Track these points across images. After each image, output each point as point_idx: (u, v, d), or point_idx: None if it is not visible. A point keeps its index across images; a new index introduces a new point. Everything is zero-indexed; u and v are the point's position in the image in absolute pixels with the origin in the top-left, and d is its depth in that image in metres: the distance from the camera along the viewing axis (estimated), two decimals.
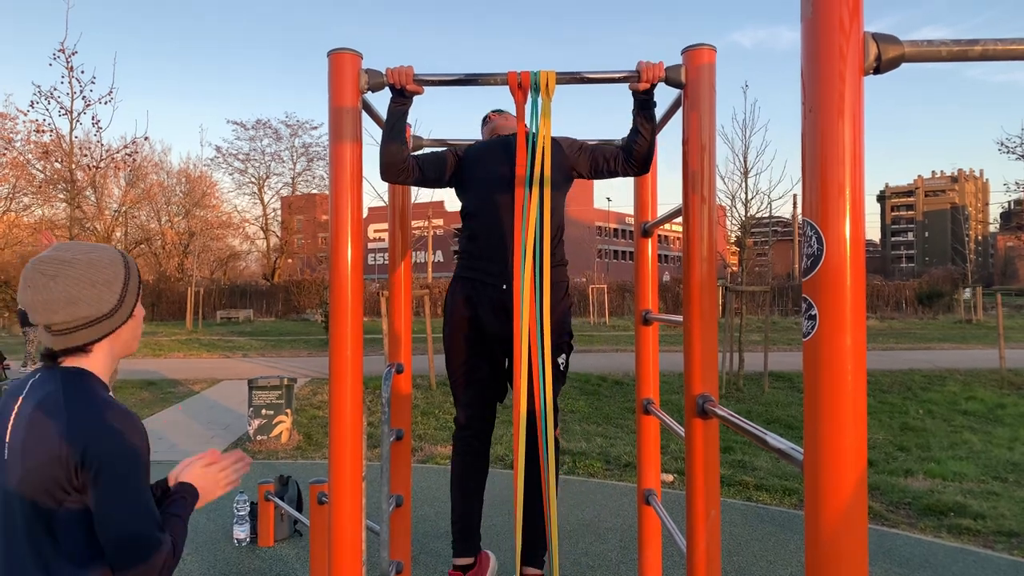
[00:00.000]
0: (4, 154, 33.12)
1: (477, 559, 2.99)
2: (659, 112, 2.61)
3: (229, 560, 4.55)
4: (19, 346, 21.00)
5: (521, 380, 2.31)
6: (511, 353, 2.78)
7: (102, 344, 1.47)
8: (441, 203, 55.83)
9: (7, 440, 1.37)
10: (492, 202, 2.85)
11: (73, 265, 1.42)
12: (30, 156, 20.99)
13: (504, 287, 2.81)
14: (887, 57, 1.12)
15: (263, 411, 7.84)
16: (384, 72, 2.33)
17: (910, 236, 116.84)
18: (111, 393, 1.47)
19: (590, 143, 2.97)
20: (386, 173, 2.68)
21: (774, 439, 1.46)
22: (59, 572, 1.33)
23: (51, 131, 14.27)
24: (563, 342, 2.91)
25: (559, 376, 2.87)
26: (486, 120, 3.25)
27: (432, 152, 2.95)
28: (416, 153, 2.91)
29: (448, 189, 3.02)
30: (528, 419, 2.39)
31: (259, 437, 7.79)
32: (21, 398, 1.41)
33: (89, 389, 1.40)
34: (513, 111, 2.42)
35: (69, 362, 1.44)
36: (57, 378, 1.40)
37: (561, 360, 2.90)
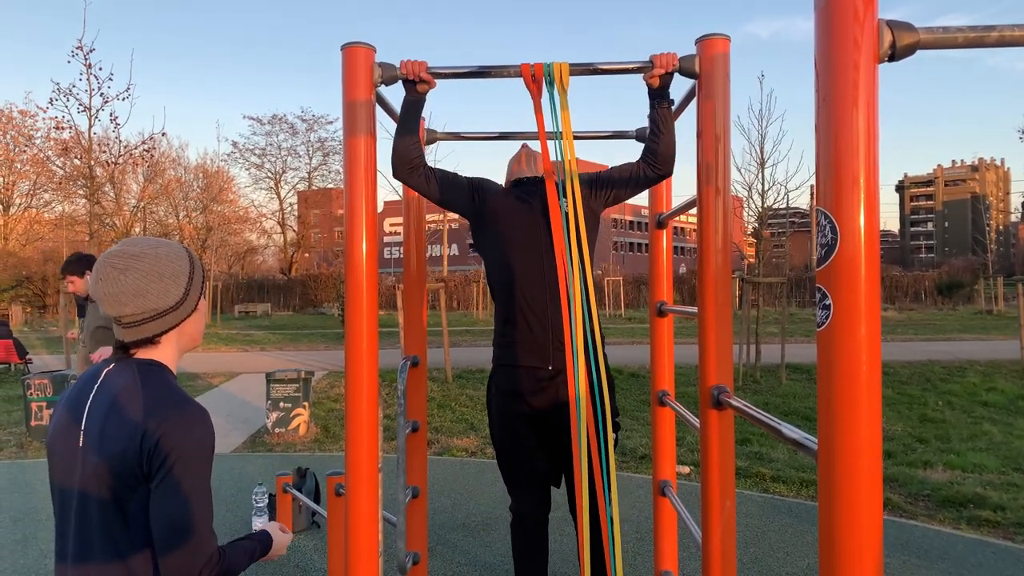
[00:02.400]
0: (24, 151, 33.51)
1: None
2: (674, 102, 2.60)
3: None
4: (38, 340, 21.26)
5: (582, 478, 2.21)
6: (564, 438, 2.72)
7: (169, 336, 1.52)
8: None
9: (83, 427, 1.43)
10: (526, 278, 2.71)
11: (141, 259, 1.47)
12: (50, 153, 21.19)
13: (550, 368, 2.70)
14: (902, 44, 1.11)
15: (281, 404, 7.91)
16: (398, 65, 2.33)
17: (930, 226, 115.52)
18: None
19: (602, 172, 2.80)
20: (397, 170, 2.60)
21: (789, 429, 1.45)
22: (131, 556, 1.39)
23: (70, 128, 14.44)
24: (615, 423, 2.73)
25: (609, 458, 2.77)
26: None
27: (451, 173, 2.79)
28: (433, 166, 2.80)
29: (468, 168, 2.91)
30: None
31: (277, 430, 7.86)
32: (97, 387, 1.47)
33: (165, 380, 1.47)
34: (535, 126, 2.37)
35: (140, 354, 1.50)
36: (133, 369, 1.47)
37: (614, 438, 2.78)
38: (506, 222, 2.79)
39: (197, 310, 1.57)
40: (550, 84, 2.27)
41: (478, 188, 2.85)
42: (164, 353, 1.52)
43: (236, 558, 1.50)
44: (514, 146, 3.07)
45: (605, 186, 2.76)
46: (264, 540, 1.65)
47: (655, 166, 2.61)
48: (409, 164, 2.60)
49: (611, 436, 2.38)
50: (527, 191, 2.83)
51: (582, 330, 2.27)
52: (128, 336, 1.48)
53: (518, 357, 2.76)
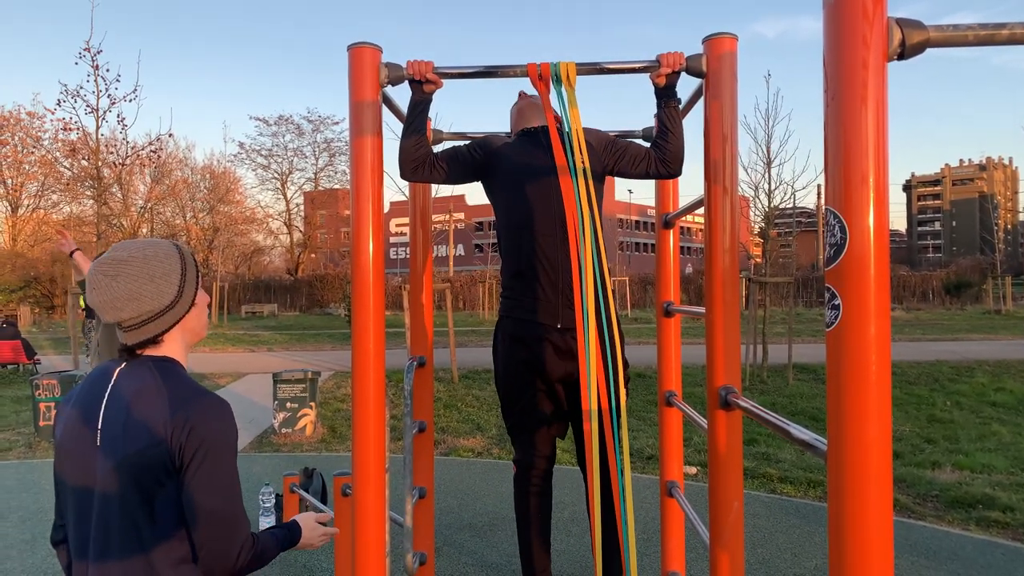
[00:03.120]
0: (33, 152, 33.64)
1: None
2: (680, 102, 2.59)
3: None
4: (47, 340, 21.36)
5: (592, 428, 2.16)
6: (573, 392, 2.69)
7: (172, 334, 1.54)
8: (462, 197, 55.89)
9: (99, 426, 1.45)
10: (537, 232, 2.70)
11: (130, 263, 1.48)
12: (58, 154, 21.30)
13: (559, 326, 2.69)
14: (911, 43, 1.11)
15: (288, 404, 7.92)
16: (404, 65, 2.33)
17: (937, 226, 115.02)
18: None
19: (620, 140, 2.80)
20: (402, 169, 2.59)
21: (797, 430, 1.45)
22: (155, 550, 1.41)
23: (78, 129, 14.48)
24: (622, 376, 2.68)
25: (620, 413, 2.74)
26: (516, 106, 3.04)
27: (452, 149, 2.81)
28: (437, 150, 2.78)
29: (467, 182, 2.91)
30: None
31: (284, 430, 7.87)
32: (111, 386, 1.48)
33: (181, 375, 1.50)
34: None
35: (147, 353, 1.52)
36: (150, 366, 1.49)
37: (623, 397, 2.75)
38: (515, 173, 2.78)
39: (196, 305, 1.58)
40: (557, 83, 2.27)
41: (480, 146, 2.85)
42: (171, 350, 1.54)
43: (267, 544, 1.55)
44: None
45: (615, 155, 2.75)
46: (293, 529, 1.69)
47: (664, 165, 2.61)
48: (413, 163, 2.60)
49: (623, 393, 2.37)
50: (534, 142, 2.82)
51: (593, 289, 2.25)
52: (131, 339, 1.50)
53: (527, 311, 2.75)
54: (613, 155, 2.75)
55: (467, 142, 2.92)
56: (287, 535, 1.65)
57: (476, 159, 2.83)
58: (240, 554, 1.44)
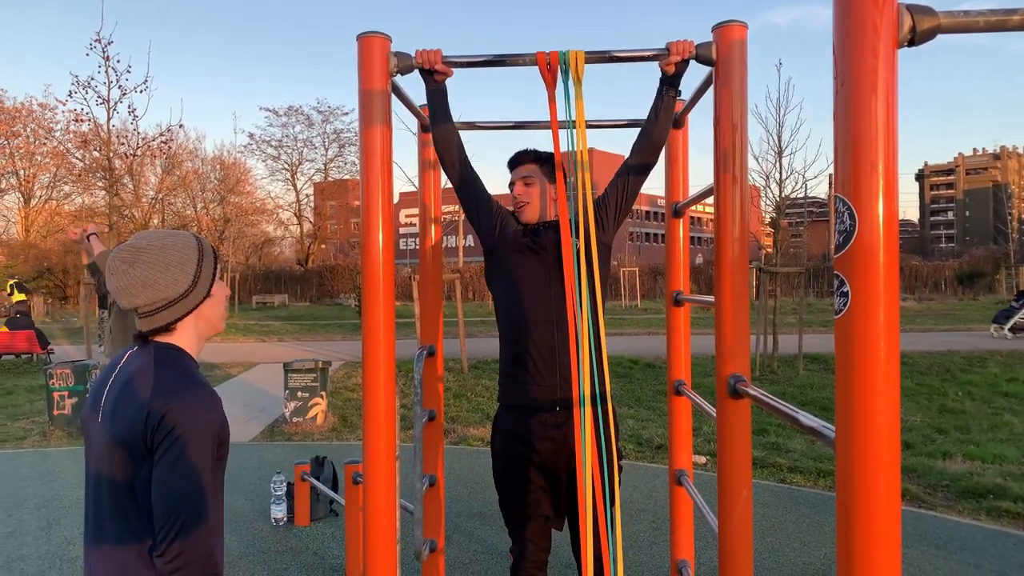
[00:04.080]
0: (45, 143, 33.84)
1: None
2: (690, 90, 2.58)
3: (267, 539, 4.65)
4: (60, 330, 21.53)
5: (587, 519, 2.15)
6: (571, 485, 2.65)
7: (185, 323, 1.56)
8: None
9: (102, 405, 1.51)
10: (534, 317, 2.66)
11: (147, 251, 1.52)
12: (69, 145, 21.39)
13: (558, 409, 2.65)
14: (922, 28, 1.10)
15: (299, 393, 7.97)
16: (413, 55, 2.33)
17: (950, 215, 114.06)
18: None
19: (598, 199, 2.71)
20: (442, 159, 2.63)
21: (806, 418, 1.44)
22: (141, 531, 1.43)
23: (89, 120, 14.52)
24: (616, 466, 2.64)
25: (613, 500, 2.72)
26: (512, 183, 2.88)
27: (484, 190, 2.75)
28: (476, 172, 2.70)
29: (479, 163, 2.84)
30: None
31: (295, 419, 7.92)
32: (118, 369, 1.54)
33: (178, 362, 1.52)
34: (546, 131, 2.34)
35: (160, 340, 1.55)
36: (151, 351, 1.52)
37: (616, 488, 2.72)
38: (519, 262, 2.72)
39: (212, 296, 1.60)
40: (565, 73, 2.26)
41: (502, 218, 2.78)
42: (182, 338, 1.56)
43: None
44: (527, 136, 3.06)
45: (608, 208, 2.69)
46: None
47: (641, 151, 2.56)
48: (449, 150, 2.58)
49: (616, 479, 2.36)
50: (542, 231, 2.75)
51: (590, 377, 2.21)
52: (144, 325, 1.53)
53: (524, 399, 2.71)
54: (607, 210, 2.68)
55: (497, 203, 2.80)
56: None
57: (493, 233, 2.77)
58: (197, 551, 1.38)
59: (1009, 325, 15.99)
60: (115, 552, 1.44)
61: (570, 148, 2.37)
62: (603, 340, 2.40)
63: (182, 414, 1.41)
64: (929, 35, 1.11)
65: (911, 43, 1.11)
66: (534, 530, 2.84)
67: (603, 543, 2.27)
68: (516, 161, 2.81)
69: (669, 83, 2.43)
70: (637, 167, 2.63)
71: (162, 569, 1.37)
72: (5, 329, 14.58)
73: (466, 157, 2.66)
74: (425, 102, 2.61)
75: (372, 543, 2.24)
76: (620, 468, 2.72)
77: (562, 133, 2.35)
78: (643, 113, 2.65)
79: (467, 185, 2.72)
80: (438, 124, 2.57)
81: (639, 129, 2.63)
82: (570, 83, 2.27)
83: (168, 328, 1.54)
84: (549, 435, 2.67)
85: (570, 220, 2.42)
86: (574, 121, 2.29)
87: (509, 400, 2.78)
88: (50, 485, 5.98)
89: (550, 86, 2.31)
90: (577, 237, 2.30)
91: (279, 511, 4.93)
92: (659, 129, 2.53)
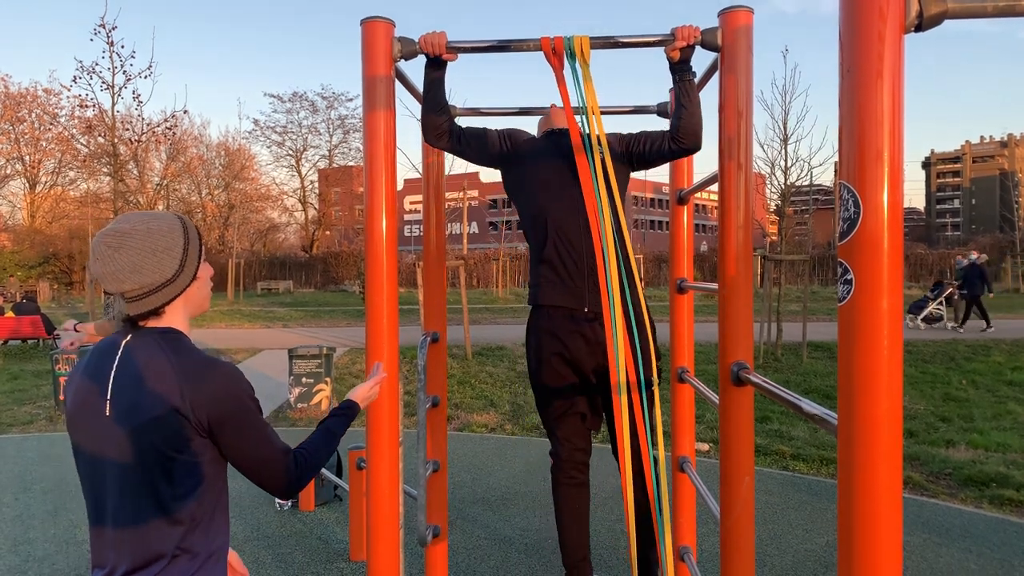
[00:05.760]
0: (50, 129, 33.86)
1: None
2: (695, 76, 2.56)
3: (272, 524, 4.68)
4: (65, 316, 21.58)
5: (623, 414, 2.22)
6: (605, 383, 2.69)
7: (174, 306, 1.56)
8: (476, 175, 55.73)
9: (109, 398, 1.47)
10: (560, 218, 2.71)
11: (133, 236, 1.49)
12: (74, 131, 21.39)
13: (586, 309, 2.69)
14: (929, 14, 1.09)
15: (303, 379, 8.00)
16: (417, 40, 2.32)
17: (956, 204, 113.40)
18: None
19: (634, 132, 2.80)
20: (426, 135, 2.67)
21: (809, 405, 1.45)
22: (175, 509, 1.46)
23: (94, 106, 14.50)
24: (654, 366, 2.74)
25: (653, 400, 2.70)
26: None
27: (479, 129, 2.82)
28: (463, 125, 2.80)
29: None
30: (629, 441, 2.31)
31: (299, 405, 7.95)
32: (118, 358, 1.50)
33: (191, 348, 1.53)
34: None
35: (151, 324, 1.54)
36: (157, 340, 1.51)
37: (655, 387, 2.73)
38: (538, 165, 2.79)
39: (198, 278, 1.59)
40: (571, 57, 2.25)
41: (510, 136, 2.86)
42: (172, 321, 1.55)
43: (321, 442, 1.71)
44: (533, 122, 3.06)
45: (630, 143, 2.75)
46: (348, 410, 1.84)
47: (681, 141, 2.58)
48: (436, 130, 2.64)
49: (655, 379, 2.40)
50: (559, 140, 2.81)
51: (617, 273, 2.27)
52: (133, 310, 1.51)
53: (554, 298, 2.75)
54: (630, 144, 2.75)
55: (499, 129, 2.90)
56: (339, 419, 1.79)
57: (504, 149, 2.84)
58: (297, 479, 1.59)
59: (922, 316, 15.76)
60: (147, 528, 1.45)
61: (583, 130, 2.38)
62: (629, 245, 2.47)
63: (229, 395, 1.47)
64: (936, 20, 1.10)
65: (918, 28, 1.10)
66: (570, 428, 2.88)
67: (642, 447, 2.31)
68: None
69: (681, 68, 2.42)
70: (671, 151, 2.66)
71: (287, 497, 1.67)
72: (11, 314, 14.64)
73: (459, 134, 2.70)
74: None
75: (376, 528, 2.26)
76: (659, 370, 2.78)
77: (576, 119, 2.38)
78: (647, 95, 2.65)
79: (467, 152, 2.78)
80: (430, 112, 2.60)
81: (671, 125, 2.63)
82: (577, 66, 2.26)
83: (157, 312, 1.53)
84: (580, 330, 2.72)
85: (582, 136, 2.43)
86: (585, 106, 2.30)
87: (539, 301, 2.83)
88: (56, 469, 6.02)
89: (558, 69, 2.31)
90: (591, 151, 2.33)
91: None
92: (691, 117, 2.54)
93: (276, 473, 1.57)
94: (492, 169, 2.94)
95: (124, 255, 1.47)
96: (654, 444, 2.36)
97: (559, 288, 2.74)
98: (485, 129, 2.84)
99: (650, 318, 2.74)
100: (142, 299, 1.50)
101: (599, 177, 2.34)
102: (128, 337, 1.53)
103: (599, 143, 2.36)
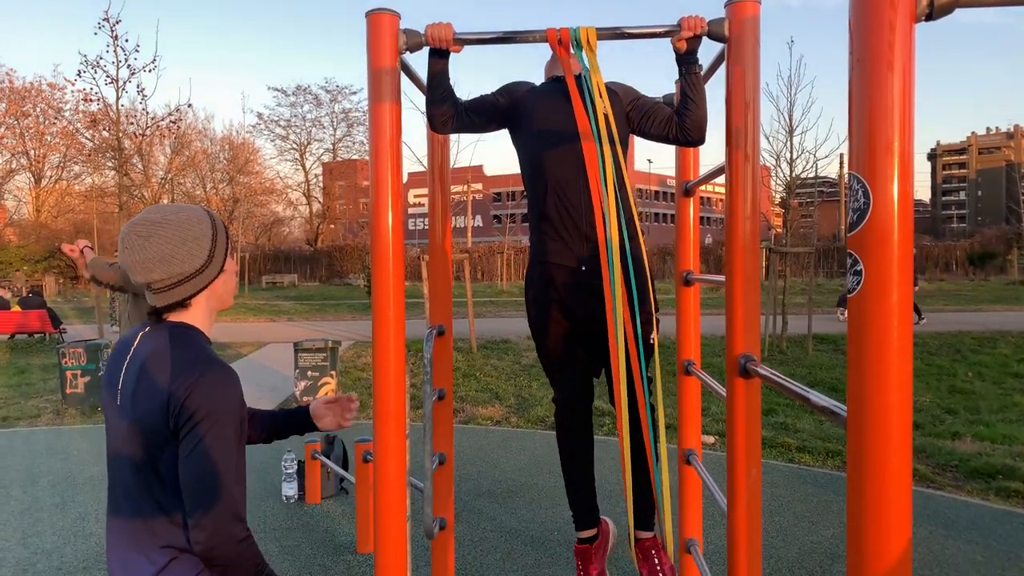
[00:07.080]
0: (54, 123, 33.89)
1: (599, 529, 2.99)
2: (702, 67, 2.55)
3: (279, 516, 4.70)
4: (71, 310, 21.67)
5: (619, 359, 2.24)
6: (603, 332, 2.72)
7: (199, 299, 1.56)
8: (480, 168, 55.66)
9: (119, 388, 1.50)
10: (559, 171, 2.71)
11: (164, 225, 1.50)
12: (79, 125, 21.36)
13: (583, 268, 2.71)
14: (940, 3, 1.08)
15: (309, 373, 8.02)
16: (423, 32, 2.31)
17: (962, 195, 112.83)
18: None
19: (647, 99, 2.79)
20: (433, 124, 2.68)
21: (817, 397, 1.44)
22: (169, 507, 1.45)
23: (98, 100, 14.49)
24: (654, 318, 2.78)
25: (650, 350, 2.73)
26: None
27: (480, 97, 2.83)
28: (464, 101, 2.80)
29: (489, 144, 2.90)
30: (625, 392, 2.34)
31: (305, 398, 7.97)
32: (132, 350, 1.53)
33: (195, 343, 1.51)
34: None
35: (173, 317, 1.54)
36: (165, 332, 1.51)
37: (653, 337, 2.76)
38: (539, 118, 2.78)
39: (225, 271, 1.60)
40: (578, 48, 2.24)
41: (506, 91, 2.85)
42: (196, 315, 1.55)
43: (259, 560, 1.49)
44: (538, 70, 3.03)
45: (639, 110, 2.74)
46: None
47: (688, 133, 2.58)
48: (442, 117, 2.64)
49: (655, 329, 2.42)
50: (562, 88, 2.75)
51: (616, 225, 2.27)
52: (160, 301, 1.51)
53: (552, 253, 2.77)
54: (638, 110, 2.74)
55: (496, 90, 2.90)
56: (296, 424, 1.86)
57: (501, 106, 2.82)
58: (232, 531, 1.40)
59: None
60: (143, 525, 1.46)
61: (591, 119, 2.37)
62: (632, 198, 2.45)
63: (204, 395, 1.41)
64: (947, 9, 1.09)
65: (929, 17, 1.09)
66: (570, 375, 2.90)
67: (638, 392, 2.33)
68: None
69: (687, 60, 2.41)
70: (675, 140, 2.66)
71: (197, 549, 1.39)
72: (18, 308, 14.69)
73: (462, 113, 2.69)
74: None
75: (382, 521, 2.26)
76: (657, 320, 2.80)
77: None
78: (653, 85, 2.65)
79: (474, 125, 2.77)
80: (435, 104, 2.60)
81: (676, 110, 2.62)
82: (584, 56, 2.26)
83: (183, 304, 1.53)
84: (576, 281, 2.74)
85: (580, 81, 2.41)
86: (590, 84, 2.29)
87: (537, 256, 2.85)
88: (64, 462, 6.05)
89: (565, 60, 2.30)
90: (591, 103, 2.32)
91: (290, 489, 4.97)
92: (697, 110, 2.54)
93: (219, 510, 1.38)
94: (501, 130, 2.92)
95: (154, 244, 1.48)
96: (650, 392, 2.39)
97: (558, 244, 2.76)
98: (481, 96, 2.83)
99: (650, 270, 2.77)
100: (169, 290, 1.50)
101: (603, 145, 2.34)
102: (146, 329, 1.55)
103: (614, 152, 2.35)
